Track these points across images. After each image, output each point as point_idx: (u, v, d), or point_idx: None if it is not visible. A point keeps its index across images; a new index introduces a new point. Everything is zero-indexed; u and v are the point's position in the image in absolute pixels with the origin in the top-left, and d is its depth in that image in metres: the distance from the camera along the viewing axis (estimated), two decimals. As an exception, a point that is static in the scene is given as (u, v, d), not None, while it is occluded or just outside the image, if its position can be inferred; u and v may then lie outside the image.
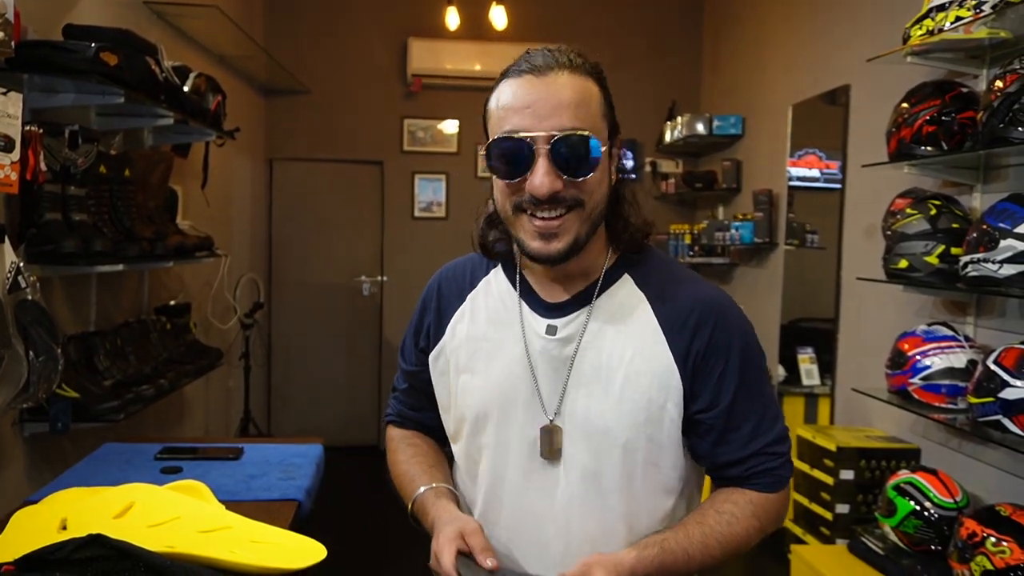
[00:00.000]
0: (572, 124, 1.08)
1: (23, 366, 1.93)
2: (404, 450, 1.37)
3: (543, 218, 1.10)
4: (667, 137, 5.59)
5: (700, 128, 5.13)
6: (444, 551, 1.11)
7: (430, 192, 5.87)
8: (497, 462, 1.22)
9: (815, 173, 4.14)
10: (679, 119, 5.35)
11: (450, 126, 5.83)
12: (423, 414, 1.39)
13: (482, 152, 1.15)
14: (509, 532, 1.22)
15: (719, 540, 1.13)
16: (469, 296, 1.29)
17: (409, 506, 1.27)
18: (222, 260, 3.83)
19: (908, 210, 2.67)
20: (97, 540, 1.06)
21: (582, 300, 1.19)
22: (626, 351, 1.16)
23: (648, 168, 5.93)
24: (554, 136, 1.07)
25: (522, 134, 1.08)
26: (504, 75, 1.14)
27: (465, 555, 1.12)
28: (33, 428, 2.26)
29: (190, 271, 3.86)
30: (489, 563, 1.09)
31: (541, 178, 1.07)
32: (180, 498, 1.43)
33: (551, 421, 1.17)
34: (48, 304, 2.06)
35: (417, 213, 5.88)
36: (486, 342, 1.24)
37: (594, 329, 1.18)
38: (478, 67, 5.62)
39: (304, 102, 5.69)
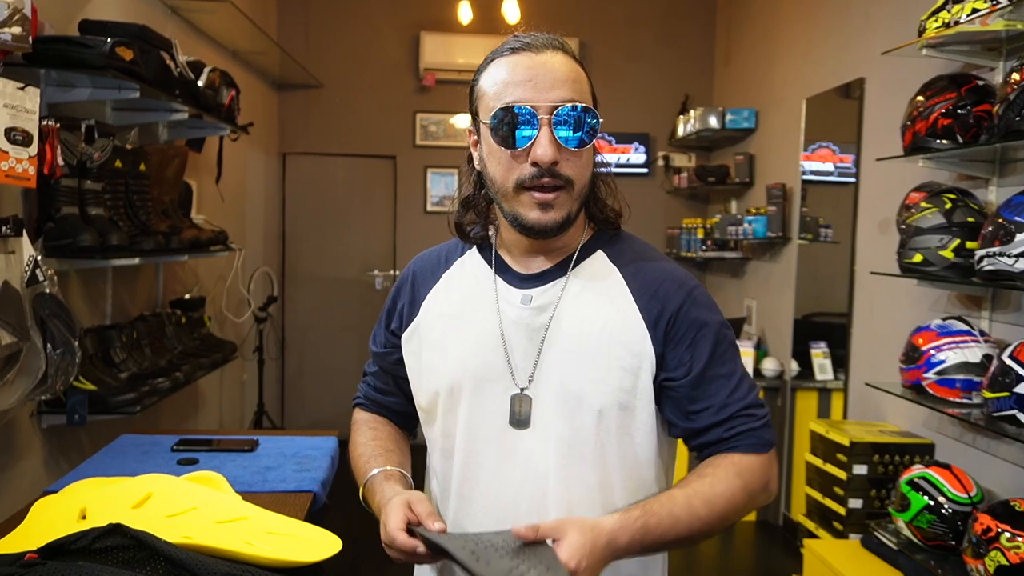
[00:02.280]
0: (572, 96, 1.14)
1: (41, 358, 1.95)
2: (364, 432, 1.39)
3: (542, 191, 1.16)
4: (680, 131, 5.57)
5: (713, 122, 5.11)
6: (391, 517, 1.11)
7: (442, 186, 5.87)
8: (472, 435, 1.23)
9: (829, 167, 4.12)
10: (692, 113, 5.33)
11: (462, 120, 5.82)
12: (390, 398, 1.42)
13: (470, 130, 1.24)
14: (485, 506, 1.23)
15: (704, 499, 1.11)
16: (443, 276, 1.33)
17: (360, 488, 1.28)
18: (236, 254, 3.86)
19: (923, 204, 2.65)
20: (117, 530, 1.07)
21: (558, 272, 1.24)
22: (598, 318, 1.20)
23: (660, 162, 5.91)
24: (556, 107, 1.12)
25: (527, 104, 1.12)
26: (494, 56, 1.19)
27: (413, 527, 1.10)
28: (51, 420, 2.29)
29: (204, 265, 3.88)
30: (436, 526, 1.09)
31: (545, 147, 1.12)
32: (197, 489, 1.44)
33: (523, 390, 1.21)
34: (65, 297, 2.08)
35: (429, 207, 5.89)
36: (458, 318, 1.27)
37: (569, 298, 1.22)
38: (490, 61, 5.61)
39: (317, 97, 5.71)
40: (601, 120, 1.16)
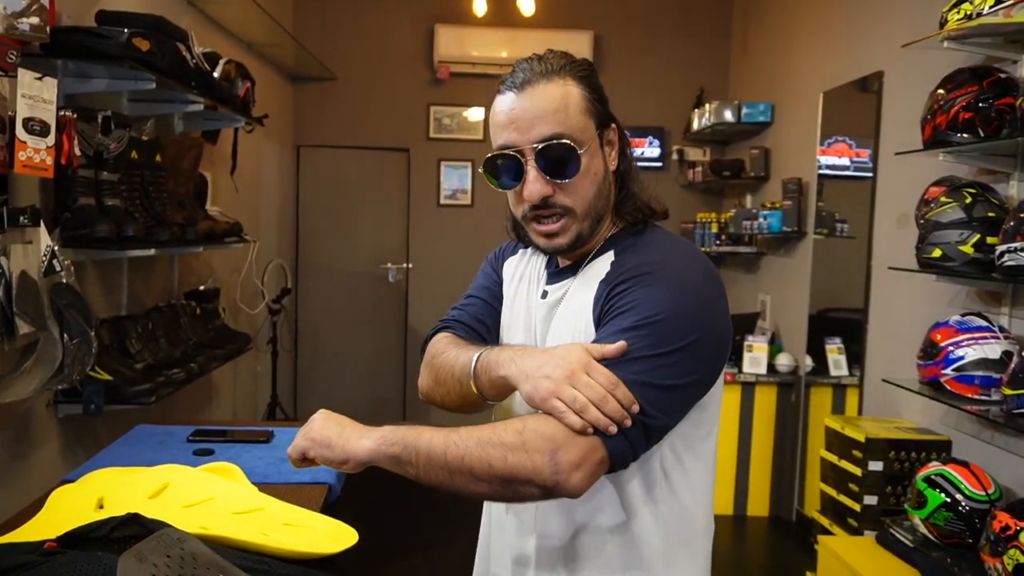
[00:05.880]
0: (552, 131, 1.15)
1: (58, 348, 1.96)
2: (452, 344, 1.31)
3: (544, 223, 1.20)
4: (695, 124, 5.54)
5: (728, 115, 5.08)
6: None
7: (456, 179, 5.86)
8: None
9: (845, 161, 4.09)
10: (707, 106, 5.30)
11: (476, 113, 5.81)
12: (482, 311, 1.39)
13: (480, 169, 1.25)
14: None
15: (466, 429, 1.06)
16: (521, 249, 1.41)
17: (471, 373, 1.21)
18: (251, 246, 3.86)
19: (943, 198, 2.62)
20: (135, 519, 1.08)
21: (570, 271, 1.28)
22: (574, 314, 1.22)
23: (675, 156, 5.88)
24: (536, 147, 1.15)
25: (511, 149, 1.17)
26: (497, 90, 1.23)
27: None
28: (67, 409, 2.30)
29: (219, 256, 3.89)
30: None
31: (531, 185, 1.16)
32: (214, 479, 1.45)
33: None
34: (81, 288, 2.09)
35: (443, 200, 5.88)
36: (517, 294, 1.36)
37: (570, 295, 1.26)
38: (505, 54, 5.60)
39: (331, 89, 5.71)
40: (584, 149, 1.15)
